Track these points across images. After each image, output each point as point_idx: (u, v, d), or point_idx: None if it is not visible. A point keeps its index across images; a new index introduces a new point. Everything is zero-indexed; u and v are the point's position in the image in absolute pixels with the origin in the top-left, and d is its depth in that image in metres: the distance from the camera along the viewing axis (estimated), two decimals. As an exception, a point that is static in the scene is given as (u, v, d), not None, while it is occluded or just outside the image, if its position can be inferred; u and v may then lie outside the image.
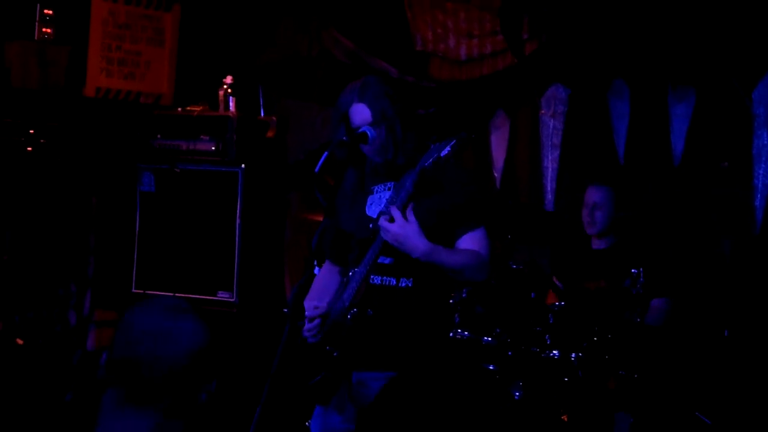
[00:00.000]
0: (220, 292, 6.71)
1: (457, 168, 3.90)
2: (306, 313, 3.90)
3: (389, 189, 3.97)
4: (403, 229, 3.72)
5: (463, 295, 5.88)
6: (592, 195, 5.98)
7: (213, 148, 6.76)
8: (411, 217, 3.73)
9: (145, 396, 2.27)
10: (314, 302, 3.90)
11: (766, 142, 6.35)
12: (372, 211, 3.98)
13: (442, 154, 3.67)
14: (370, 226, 3.89)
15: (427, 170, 3.70)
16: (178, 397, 2.30)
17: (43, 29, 6.63)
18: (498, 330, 5.80)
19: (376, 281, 3.91)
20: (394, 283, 3.91)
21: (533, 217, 6.49)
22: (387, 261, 3.88)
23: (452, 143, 3.68)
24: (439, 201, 3.88)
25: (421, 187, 3.73)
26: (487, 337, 5.81)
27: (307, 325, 3.91)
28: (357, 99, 3.93)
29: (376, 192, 4.02)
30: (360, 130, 3.88)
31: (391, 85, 4.04)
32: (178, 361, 2.28)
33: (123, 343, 2.30)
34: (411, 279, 3.91)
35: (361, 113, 3.91)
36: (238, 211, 6.70)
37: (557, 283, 5.94)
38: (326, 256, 4.18)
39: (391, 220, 3.72)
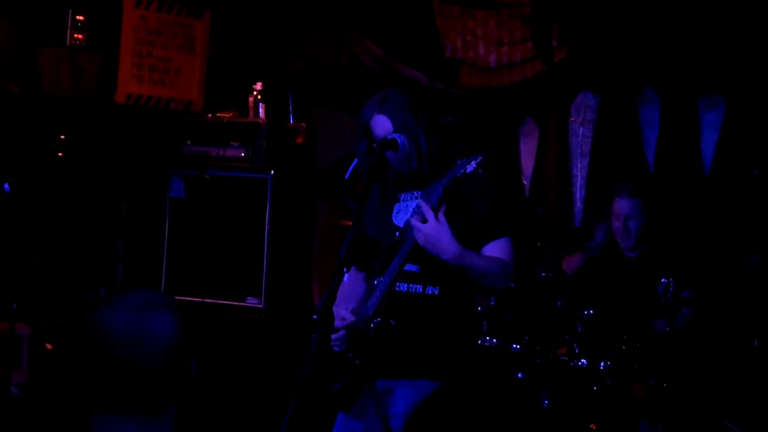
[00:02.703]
0: (248, 298, 6.71)
1: (483, 178, 3.89)
2: (336, 324, 3.91)
3: (416, 198, 3.98)
4: (436, 230, 3.71)
5: (491, 303, 5.88)
6: (624, 207, 5.93)
7: (242, 154, 6.76)
8: (443, 219, 3.73)
9: (128, 400, 2.18)
10: (342, 310, 3.90)
11: (797, 149, 6.33)
12: (398, 219, 3.99)
13: (468, 170, 3.68)
14: (397, 234, 3.90)
15: (457, 181, 3.71)
16: (161, 394, 2.21)
17: (75, 35, 6.65)
18: (526, 338, 5.79)
19: (402, 288, 3.92)
20: (420, 290, 3.92)
21: (562, 231, 6.46)
22: (414, 269, 3.89)
23: (478, 160, 3.69)
24: (464, 211, 3.88)
25: (449, 194, 3.73)
26: (516, 344, 5.80)
27: (333, 335, 3.92)
28: (378, 111, 3.96)
29: (403, 200, 4.03)
30: (390, 137, 3.89)
31: (415, 96, 4.06)
32: (155, 362, 2.17)
33: (95, 349, 2.18)
34: (438, 287, 3.91)
35: (382, 125, 3.94)
36: (267, 218, 6.70)
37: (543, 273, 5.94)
38: (352, 262, 4.18)
39: (424, 221, 3.72)
